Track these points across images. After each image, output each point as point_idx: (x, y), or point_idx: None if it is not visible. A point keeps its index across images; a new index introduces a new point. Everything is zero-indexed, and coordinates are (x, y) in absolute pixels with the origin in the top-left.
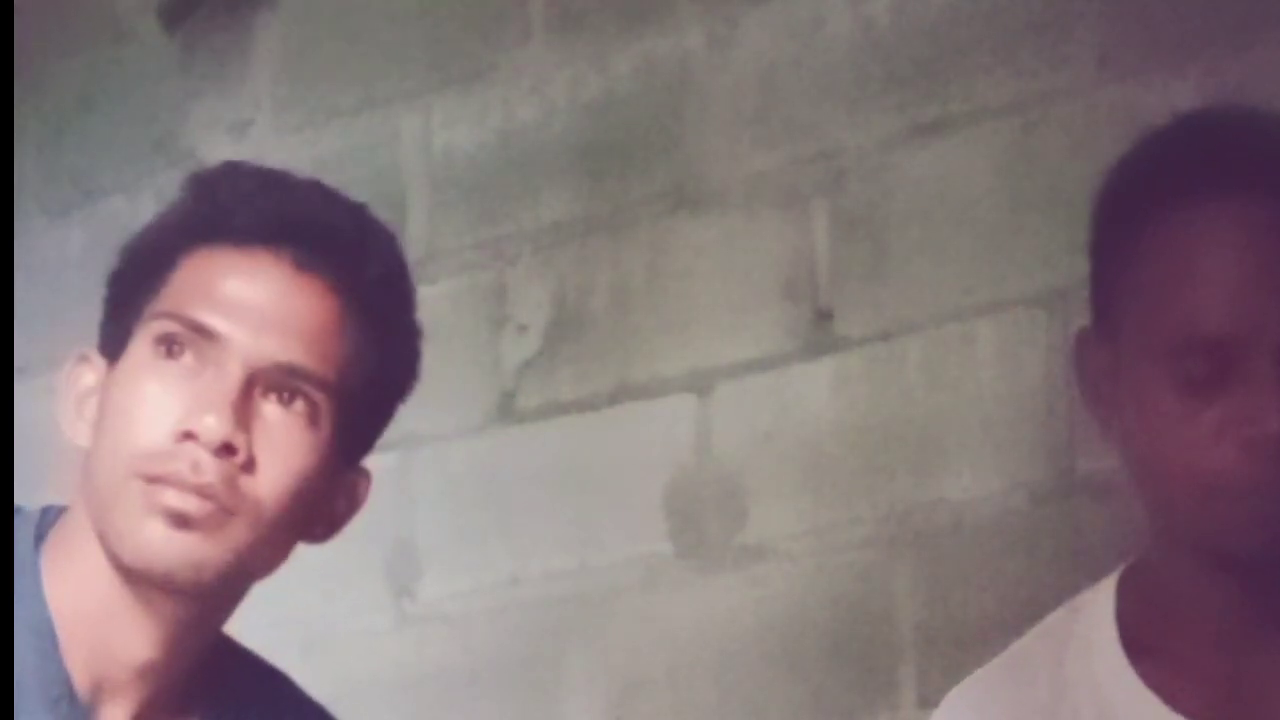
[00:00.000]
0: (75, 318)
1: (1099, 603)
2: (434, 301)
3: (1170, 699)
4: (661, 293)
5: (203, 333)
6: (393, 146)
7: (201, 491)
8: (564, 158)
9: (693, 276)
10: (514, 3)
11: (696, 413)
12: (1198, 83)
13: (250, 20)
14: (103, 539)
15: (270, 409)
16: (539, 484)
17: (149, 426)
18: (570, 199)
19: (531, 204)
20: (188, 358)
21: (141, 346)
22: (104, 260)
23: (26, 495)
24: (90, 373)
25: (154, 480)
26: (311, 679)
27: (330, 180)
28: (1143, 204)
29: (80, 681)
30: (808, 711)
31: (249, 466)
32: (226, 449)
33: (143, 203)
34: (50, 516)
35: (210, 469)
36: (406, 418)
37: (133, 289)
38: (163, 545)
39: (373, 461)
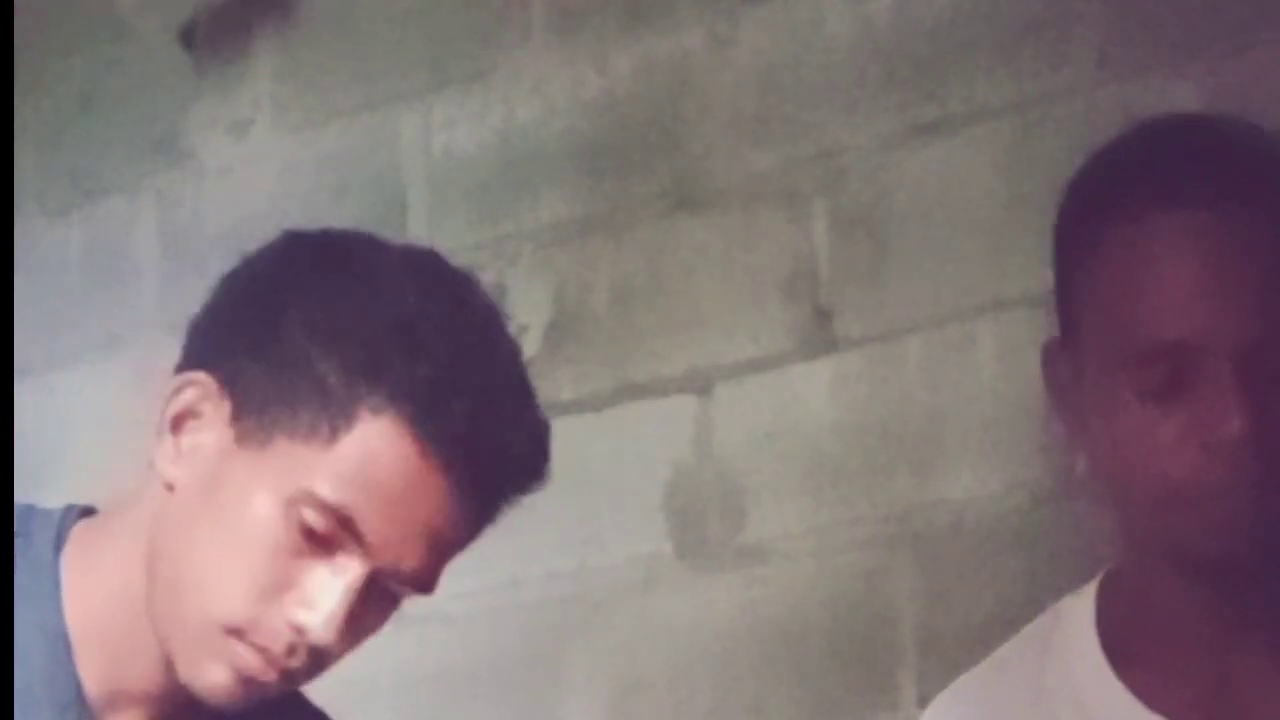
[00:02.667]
0: (75, 318)
1: (1079, 608)
2: None
3: (1151, 702)
4: (661, 293)
5: (350, 533)
6: (393, 146)
7: (283, 673)
8: (564, 158)
9: (693, 276)
10: (514, 3)
11: (696, 413)
12: (1198, 83)
13: (250, 20)
14: (159, 630)
15: (373, 595)
16: None
17: (260, 603)
18: (570, 199)
19: (531, 204)
20: (321, 547)
21: (280, 516)
22: (104, 260)
23: (26, 495)
24: (203, 402)
25: (244, 642)
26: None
27: (330, 180)
28: (1100, 214)
29: (92, 691)
30: (808, 711)
31: (340, 641)
32: (326, 644)
33: (143, 203)
34: (70, 518)
35: (303, 657)
36: None
37: (303, 380)
38: (226, 691)
39: None
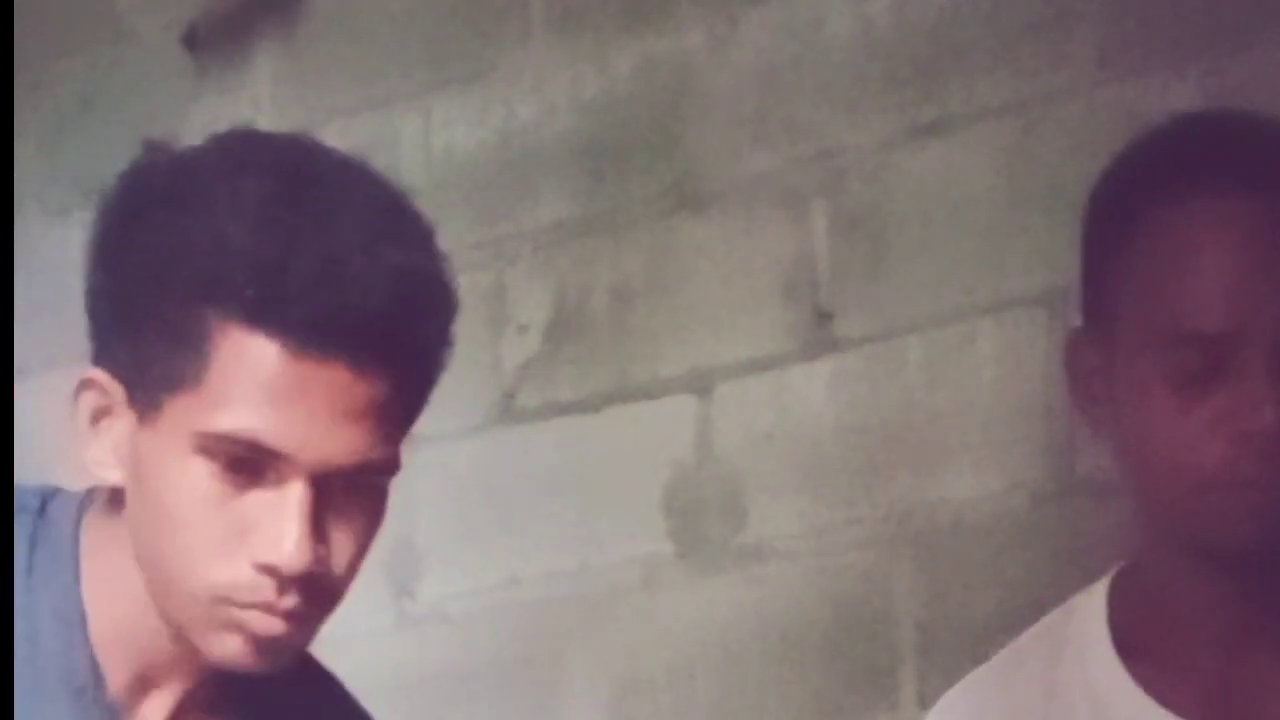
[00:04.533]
0: (75, 318)
1: (1092, 605)
2: None
3: (1164, 699)
4: (661, 293)
5: (265, 453)
6: (393, 146)
7: (287, 616)
8: (564, 158)
9: (693, 276)
10: (514, 3)
11: (696, 413)
12: (1198, 83)
13: (252, 22)
14: (171, 620)
15: (339, 501)
16: (539, 484)
17: (227, 561)
18: (570, 199)
19: (531, 204)
20: (252, 480)
21: (199, 468)
22: None
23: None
24: (103, 398)
25: (240, 606)
26: None
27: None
28: (1137, 202)
29: (116, 674)
30: (808, 711)
31: (326, 560)
32: (307, 569)
33: None
34: (90, 501)
35: (295, 595)
36: None
37: (158, 333)
38: (245, 658)
39: None
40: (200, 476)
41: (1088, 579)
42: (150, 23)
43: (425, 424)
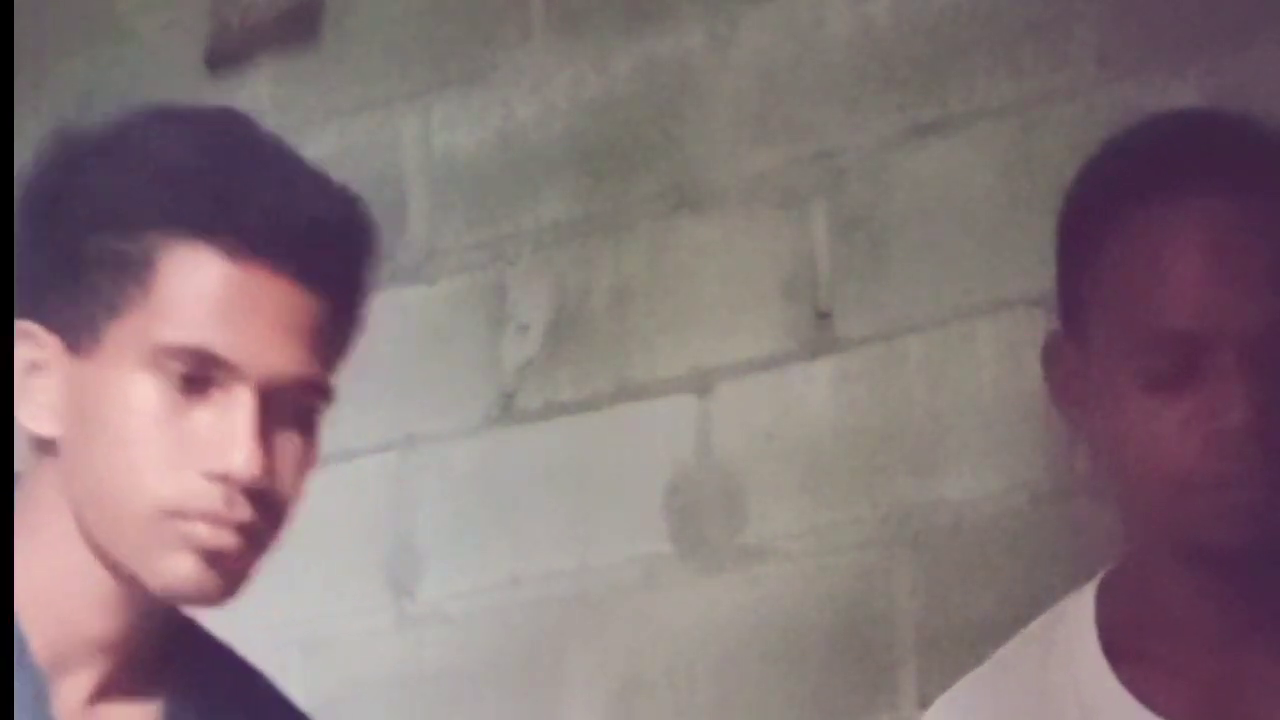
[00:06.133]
0: None
1: (1080, 608)
2: (434, 301)
3: (1151, 702)
4: (661, 293)
5: (214, 363)
6: (393, 146)
7: (238, 527)
8: (564, 158)
9: (693, 276)
10: (514, 3)
11: (696, 413)
12: (1198, 83)
13: (267, 34)
14: (112, 559)
15: (283, 422)
16: (539, 484)
17: (175, 474)
18: (570, 199)
19: (531, 204)
20: (200, 394)
21: (147, 383)
22: None
23: None
24: (36, 350)
25: (188, 518)
26: (311, 679)
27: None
28: (1109, 204)
29: (41, 653)
30: (808, 711)
31: (273, 479)
32: (257, 480)
33: None
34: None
35: (245, 505)
36: (406, 418)
37: (100, 267)
38: (196, 579)
39: (372, 461)
40: (148, 393)
41: (1087, 579)
42: (150, 23)
43: (424, 424)
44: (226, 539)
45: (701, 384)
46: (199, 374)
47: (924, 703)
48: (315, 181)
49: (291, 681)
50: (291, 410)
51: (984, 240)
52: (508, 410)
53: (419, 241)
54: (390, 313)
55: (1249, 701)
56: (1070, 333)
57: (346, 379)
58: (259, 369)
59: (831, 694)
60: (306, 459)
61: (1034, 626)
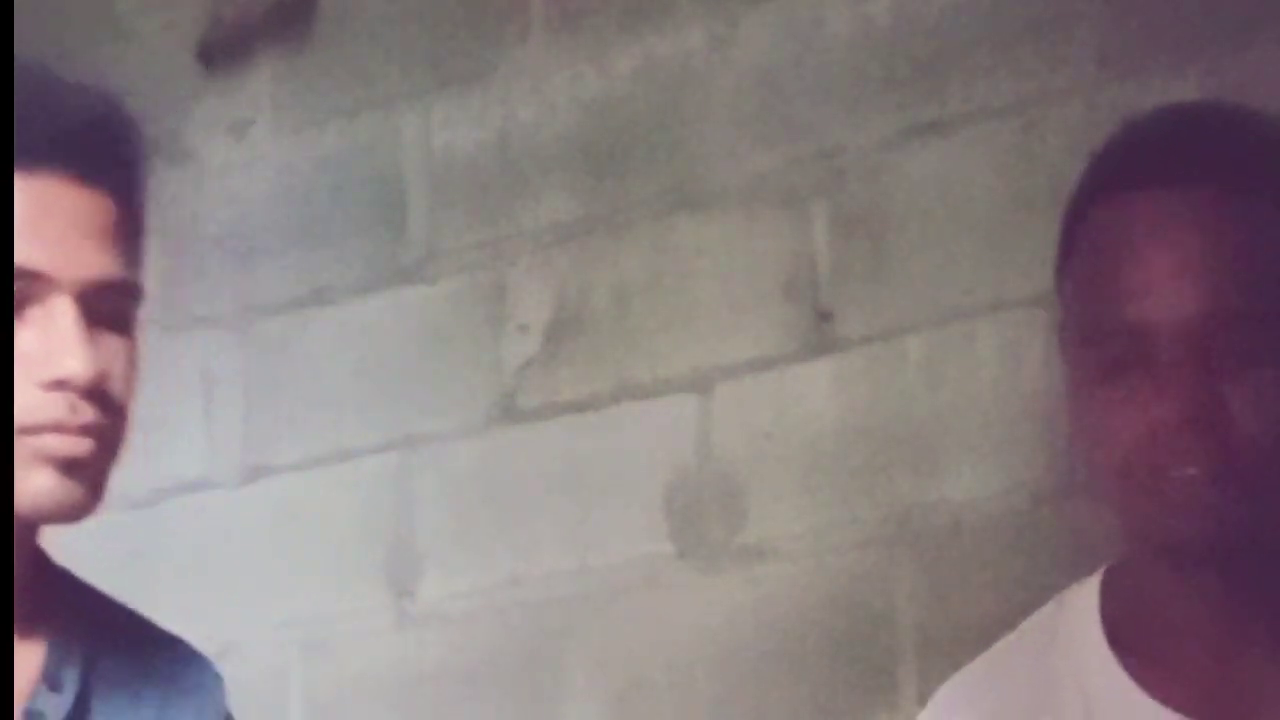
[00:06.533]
0: None
1: (1084, 598)
2: (434, 301)
3: (1155, 692)
4: (661, 293)
5: (28, 277)
6: (393, 146)
7: (86, 431)
8: (564, 158)
9: (693, 276)
10: (514, 3)
11: (696, 413)
12: (1198, 83)
13: (260, 31)
14: None
15: (101, 327)
16: (539, 484)
17: (19, 390)
18: (570, 199)
19: (531, 204)
20: (19, 309)
21: None
22: None
23: None
24: None
25: (36, 432)
26: (311, 679)
27: (330, 180)
28: (1087, 199)
29: None
30: (808, 711)
31: (107, 381)
32: (94, 381)
33: None
34: None
35: (86, 407)
36: (406, 418)
37: None
38: (57, 492)
39: (372, 461)
40: None
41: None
42: (150, 23)
43: (424, 424)
44: (78, 445)
45: (701, 384)
46: (16, 291)
47: (924, 703)
48: (78, 90)
49: (291, 681)
50: (107, 314)
51: (984, 240)
52: (508, 410)
53: (419, 241)
54: (390, 313)
55: (1252, 695)
56: (1060, 328)
57: (347, 379)
58: (70, 276)
59: (831, 694)
60: (132, 360)
61: (1036, 616)
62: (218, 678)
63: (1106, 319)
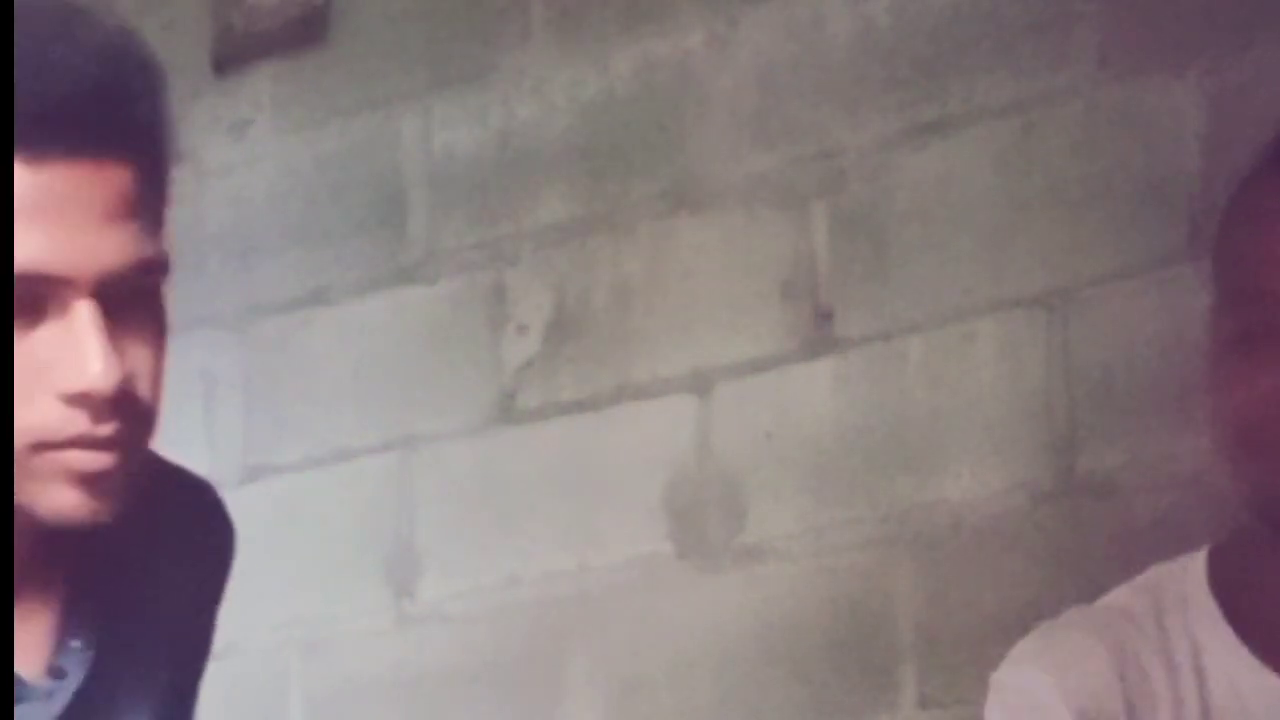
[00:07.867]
0: None
1: (1190, 570)
2: (434, 301)
3: (1267, 657)
4: (661, 293)
5: (44, 281)
6: (393, 146)
7: (110, 444)
8: (564, 158)
9: (693, 276)
10: (514, 3)
11: (696, 413)
12: (1198, 83)
13: (272, 37)
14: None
15: (126, 316)
16: (539, 484)
17: (31, 404)
18: (570, 199)
19: (531, 204)
20: (35, 317)
21: None
22: None
23: None
24: None
25: (58, 447)
26: (311, 679)
27: (330, 180)
28: (1245, 181)
29: None
30: (808, 711)
31: (133, 381)
32: (118, 389)
33: None
34: None
35: (109, 419)
36: (406, 418)
37: None
38: (81, 508)
39: (372, 461)
40: None
41: (1088, 579)
42: (150, 23)
43: (424, 424)
44: (102, 460)
45: (701, 384)
46: (30, 298)
47: (924, 702)
48: (76, 48)
49: (291, 681)
50: (131, 296)
51: (984, 240)
52: (508, 410)
53: (419, 241)
54: (390, 313)
55: None
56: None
57: (347, 379)
58: (88, 272)
59: (831, 694)
60: (159, 344)
61: (1139, 580)
62: (216, 505)
63: (1245, 286)
